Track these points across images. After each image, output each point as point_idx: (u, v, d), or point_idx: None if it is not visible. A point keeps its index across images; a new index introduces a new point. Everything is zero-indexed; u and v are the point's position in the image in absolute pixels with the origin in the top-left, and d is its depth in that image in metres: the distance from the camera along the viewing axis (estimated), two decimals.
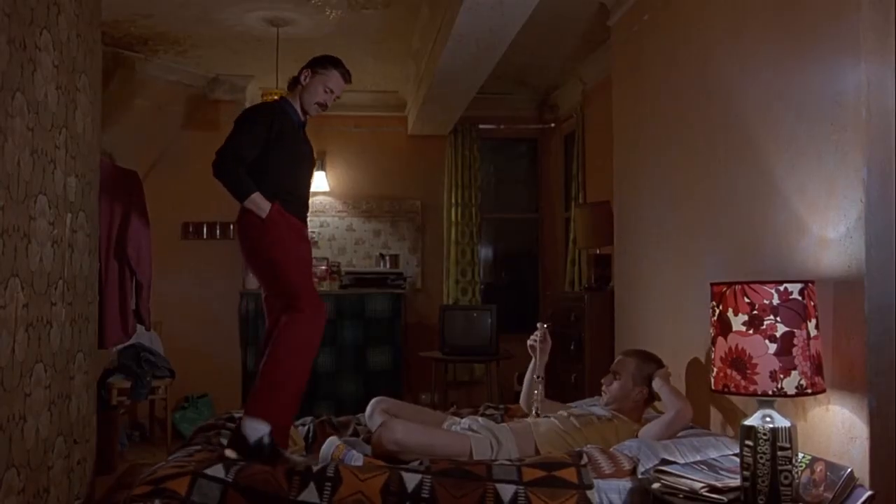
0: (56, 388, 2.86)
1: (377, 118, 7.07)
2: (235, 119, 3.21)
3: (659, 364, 3.15)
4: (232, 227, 6.44)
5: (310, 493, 2.41)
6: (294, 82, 3.31)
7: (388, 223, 7.08)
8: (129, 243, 4.32)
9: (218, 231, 6.42)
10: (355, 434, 3.40)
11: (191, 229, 6.40)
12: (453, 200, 7.00)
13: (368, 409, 3.28)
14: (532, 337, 3.45)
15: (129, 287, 4.36)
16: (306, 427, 3.50)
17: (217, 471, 2.46)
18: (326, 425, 3.53)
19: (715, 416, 3.09)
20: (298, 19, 5.03)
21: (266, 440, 2.76)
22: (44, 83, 2.69)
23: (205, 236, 6.41)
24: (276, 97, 3.94)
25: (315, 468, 2.47)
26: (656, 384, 3.03)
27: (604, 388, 3.22)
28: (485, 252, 7.42)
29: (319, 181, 6.85)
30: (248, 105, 6.54)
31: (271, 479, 2.44)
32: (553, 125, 7.18)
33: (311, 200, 6.92)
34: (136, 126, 5.89)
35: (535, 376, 3.38)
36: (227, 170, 3.06)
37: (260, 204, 3.03)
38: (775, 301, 2.11)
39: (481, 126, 7.12)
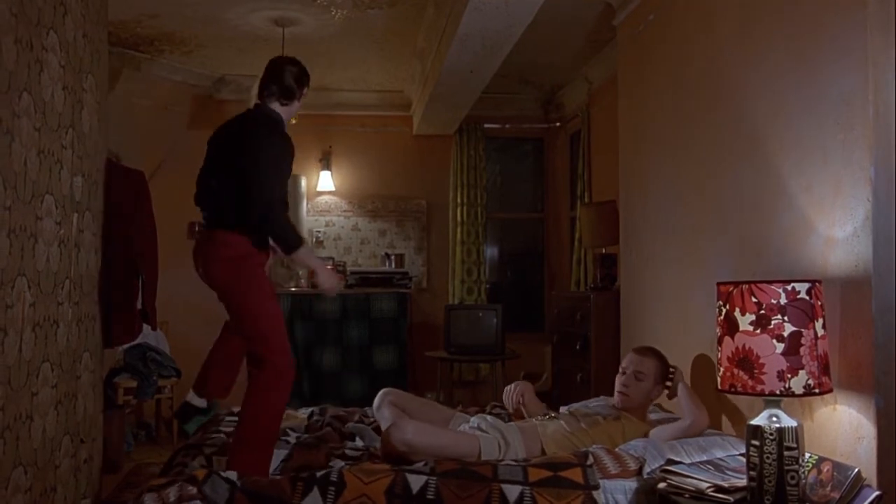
0: (63, 387, 2.87)
1: (382, 118, 7.08)
2: (258, 139, 2.93)
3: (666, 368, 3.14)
4: None
5: (313, 497, 2.41)
6: (290, 94, 3.09)
7: (394, 223, 7.09)
8: (135, 243, 4.32)
9: None
10: (360, 423, 3.44)
11: (197, 229, 6.40)
12: (459, 200, 7.00)
13: (376, 400, 3.29)
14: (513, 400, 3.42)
15: (135, 287, 4.37)
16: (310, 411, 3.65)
17: (231, 473, 2.51)
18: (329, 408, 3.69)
19: (720, 415, 3.08)
20: (304, 19, 5.04)
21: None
22: (50, 83, 2.70)
23: None
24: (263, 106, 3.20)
25: (319, 473, 2.48)
26: (678, 387, 3.01)
27: (622, 388, 3.09)
28: (490, 251, 7.41)
29: (325, 181, 6.87)
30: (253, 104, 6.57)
31: (275, 484, 2.47)
32: (559, 124, 7.18)
33: (317, 199, 6.92)
34: (141, 126, 5.90)
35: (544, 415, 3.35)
36: (282, 217, 2.93)
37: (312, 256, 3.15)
38: (783, 301, 2.10)
39: (487, 125, 7.12)
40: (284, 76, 3.09)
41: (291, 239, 2.95)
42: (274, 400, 2.84)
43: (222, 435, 3.16)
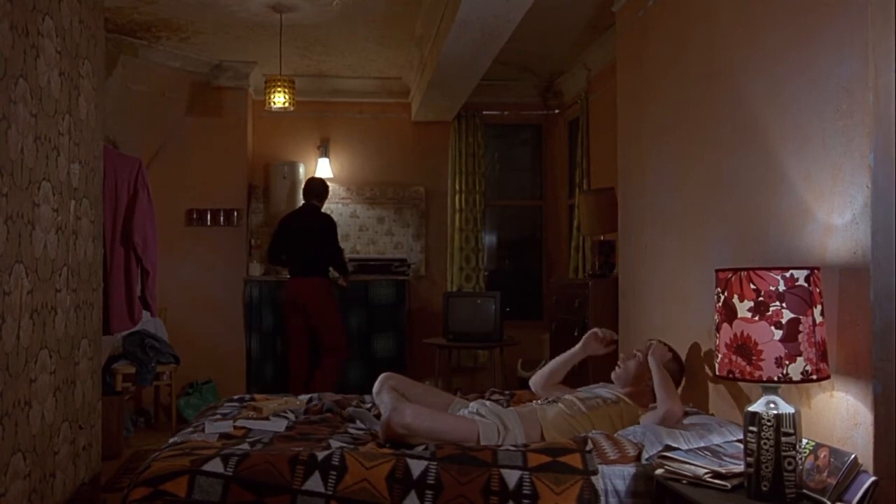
0: (61, 373, 2.87)
1: (381, 105, 7.06)
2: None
3: (681, 366, 3.16)
4: (236, 213, 6.45)
5: (314, 482, 2.39)
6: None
7: (392, 210, 7.08)
8: (136, 230, 4.32)
9: (222, 218, 6.42)
10: (358, 408, 3.45)
11: (195, 216, 6.40)
12: (457, 187, 6.99)
13: (377, 385, 3.29)
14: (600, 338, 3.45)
15: (136, 274, 4.37)
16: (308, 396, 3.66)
17: (215, 465, 2.41)
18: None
19: (718, 402, 3.09)
20: (301, 5, 5.01)
21: None
22: (47, 69, 2.68)
23: (209, 223, 6.41)
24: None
25: (319, 456, 2.47)
26: (651, 362, 3.03)
27: (620, 362, 3.24)
28: (489, 239, 7.41)
29: (323, 168, 6.85)
30: (251, 91, 6.58)
31: (273, 470, 2.41)
32: (557, 111, 7.16)
33: None
34: (139, 113, 5.88)
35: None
36: None
37: None
38: (781, 287, 2.10)
39: (485, 112, 7.10)
40: None
41: None
42: None
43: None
